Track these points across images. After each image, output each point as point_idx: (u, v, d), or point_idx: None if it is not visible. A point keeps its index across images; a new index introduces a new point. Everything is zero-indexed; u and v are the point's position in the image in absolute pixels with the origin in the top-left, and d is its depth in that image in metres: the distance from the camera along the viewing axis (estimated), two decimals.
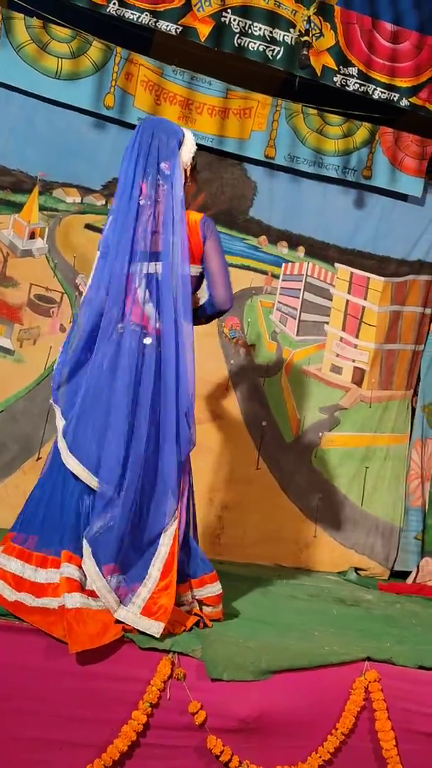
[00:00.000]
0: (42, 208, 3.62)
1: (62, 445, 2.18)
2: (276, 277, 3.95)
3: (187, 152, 2.35)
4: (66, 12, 3.46)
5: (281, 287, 3.96)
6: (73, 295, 3.67)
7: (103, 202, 3.68)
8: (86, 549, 2.02)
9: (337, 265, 4.02)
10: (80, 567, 2.03)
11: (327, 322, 4.02)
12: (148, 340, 2.16)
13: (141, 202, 2.21)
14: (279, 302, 3.96)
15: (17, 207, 3.58)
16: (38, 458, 3.53)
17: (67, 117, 3.58)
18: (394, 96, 3.66)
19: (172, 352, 2.15)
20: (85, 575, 2.02)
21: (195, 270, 2.32)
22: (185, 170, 2.34)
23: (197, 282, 2.38)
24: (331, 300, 4.02)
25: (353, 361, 4.03)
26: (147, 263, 2.19)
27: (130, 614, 2.00)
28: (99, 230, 3.70)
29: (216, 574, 2.28)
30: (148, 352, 2.15)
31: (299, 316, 3.99)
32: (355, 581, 3.63)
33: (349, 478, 3.97)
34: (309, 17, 3.43)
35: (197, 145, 2.46)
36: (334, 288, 4.03)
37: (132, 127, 3.63)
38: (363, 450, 4.00)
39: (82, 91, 3.54)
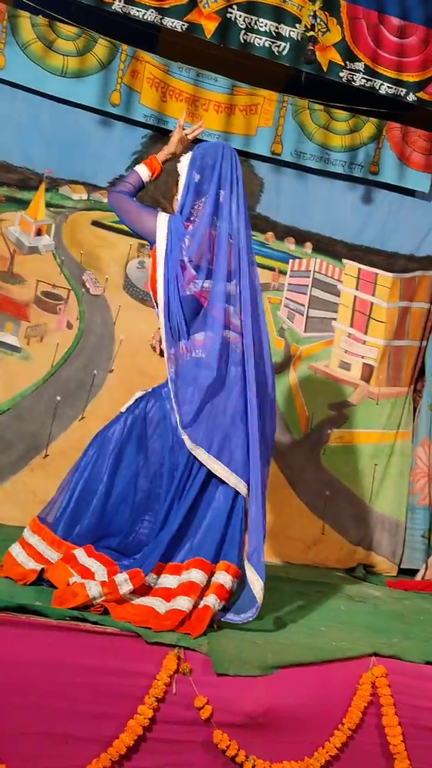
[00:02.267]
0: (48, 205, 3.63)
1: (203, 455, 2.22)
2: (283, 273, 3.94)
3: None
4: (72, 10, 3.46)
5: (288, 283, 3.95)
6: (80, 292, 3.68)
7: None
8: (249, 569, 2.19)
9: (344, 261, 4.00)
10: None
11: (335, 319, 4.00)
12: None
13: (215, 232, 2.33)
14: (286, 298, 3.95)
15: (23, 204, 3.59)
16: (45, 455, 3.53)
17: (73, 114, 3.59)
18: (401, 91, 3.63)
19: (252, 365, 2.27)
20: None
21: None
22: None
23: None
24: (338, 296, 4.01)
25: (362, 357, 4.01)
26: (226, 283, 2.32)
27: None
28: (105, 227, 3.70)
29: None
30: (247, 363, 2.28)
31: (307, 313, 3.97)
32: (364, 578, 3.62)
33: (357, 474, 3.95)
34: (315, 12, 3.41)
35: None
36: (342, 284, 4.01)
37: (137, 124, 3.67)
38: (371, 447, 3.98)
39: (88, 89, 3.54)
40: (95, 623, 1.93)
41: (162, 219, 2.34)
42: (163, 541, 2.16)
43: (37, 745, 1.77)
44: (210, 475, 2.23)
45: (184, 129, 2.58)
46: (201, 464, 2.22)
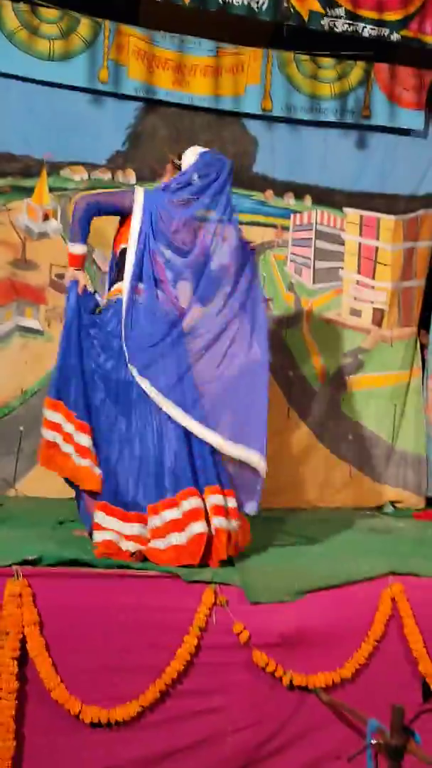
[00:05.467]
0: (52, 189, 3.73)
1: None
2: (286, 229, 4.01)
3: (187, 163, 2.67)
4: None
5: (292, 238, 4.02)
6: (92, 270, 3.81)
7: (110, 176, 3.78)
8: None
9: (345, 209, 4.05)
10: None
11: (342, 267, 4.08)
12: None
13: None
14: (292, 253, 4.02)
15: (28, 192, 3.70)
16: None
17: (65, 97, 3.65)
18: (385, 31, 3.63)
19: None
20: None
21: None
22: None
23: None
24: (343, 245, 4.07)
25: (372, 302, 4.09)
26: None
27: None
28: None
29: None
30: None
31: (313, 265, 4.05)
32: (392, 514, 3.77)
33: (378, 416, 4.07)
34: None
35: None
36: (345, 232, 4.07)
37: (128, 97, 3.73)
38: (389, 389, 4.09)
39: (76, 70, 3.61)
40: (138, 569, 2.14)
41: (139, 193, 2.62)
42: (147, 484, 2.37)
43: (102, 677, 2.00)
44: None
45: None
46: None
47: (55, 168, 3.73)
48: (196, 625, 2.02)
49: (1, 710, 1.87)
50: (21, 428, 3.66)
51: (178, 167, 2.68)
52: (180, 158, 2.69)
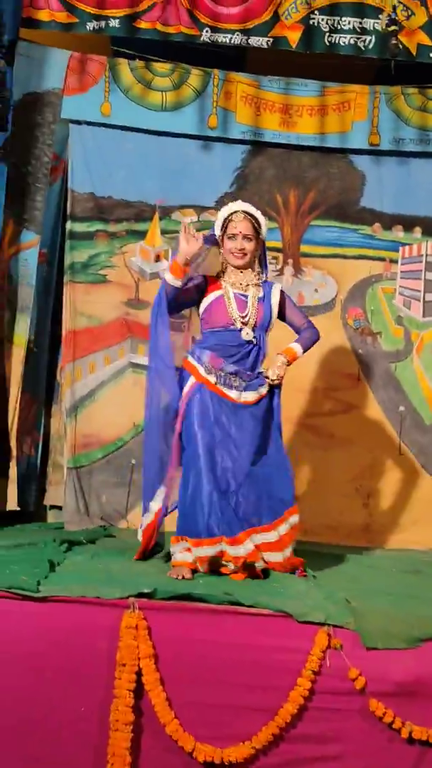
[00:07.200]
0: (163, 232, 3.90)
1: None
2: (394, 262, 3.95)
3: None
4: (164, 47, 3.73)
5: (401, 271, 3.95)
6: None
7: None
8: None
9: None
10: None
11: None
12: None
13: None
14: (401, 286, 3.95)
15: (141, 235, 3.89)
16: None
17: (176, 144, 3.84)
18: None
19: None
20: None
21: None
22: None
23: None
24: None
25: None
26: None
27: None
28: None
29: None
30: None
31: (423, 297, 3.95)
32: None
33: None
34: (394, 5, 3.43)
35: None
36: None
37: (236, 141, 3.87)
38: None
39: (187, 118, 3.79)
40: (250, 606, 2.13)
41: None
42: None
43: (212, 715, 2.00)
44: None
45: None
46: None
47: (166, 212, 3.90)
48: (309, 668, 1.98)
49: (117, 741, 1.91)
50: (133, 461, 3.79)
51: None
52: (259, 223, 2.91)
